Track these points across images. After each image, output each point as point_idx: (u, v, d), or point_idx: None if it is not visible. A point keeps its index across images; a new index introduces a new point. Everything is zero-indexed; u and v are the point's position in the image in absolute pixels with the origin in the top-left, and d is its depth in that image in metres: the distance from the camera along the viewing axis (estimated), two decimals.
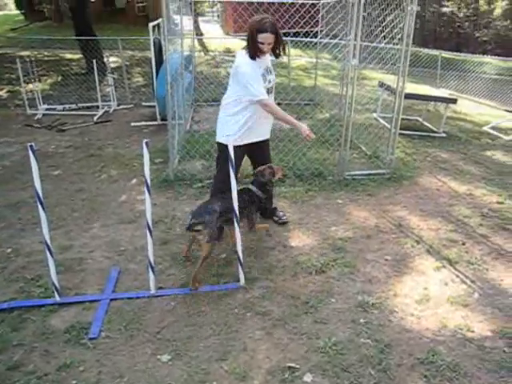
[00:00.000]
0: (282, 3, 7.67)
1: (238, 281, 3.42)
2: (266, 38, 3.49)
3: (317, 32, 7.62)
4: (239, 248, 3.33)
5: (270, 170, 3.88)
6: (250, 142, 3.92)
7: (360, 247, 3.96)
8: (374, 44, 5.98)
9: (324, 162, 5.70)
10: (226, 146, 3.29)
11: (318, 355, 2.78)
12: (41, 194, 2.99)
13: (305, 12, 6.36)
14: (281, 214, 4.41)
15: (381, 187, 5.17)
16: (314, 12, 7.32)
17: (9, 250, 3.92)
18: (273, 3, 7.60)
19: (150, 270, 3.23)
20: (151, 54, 7.49)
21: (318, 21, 7.61)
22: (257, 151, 4.06)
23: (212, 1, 21.52)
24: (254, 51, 3.58)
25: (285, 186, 5.09)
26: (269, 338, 2.93)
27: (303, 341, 2.90)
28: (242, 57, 3.66)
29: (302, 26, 6.83)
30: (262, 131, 3.99)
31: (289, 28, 6.88)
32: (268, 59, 3.76)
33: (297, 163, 5.55)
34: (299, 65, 13.16)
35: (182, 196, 4.85)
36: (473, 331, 2.99)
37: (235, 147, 3.40)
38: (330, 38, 6.82)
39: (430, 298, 3.30)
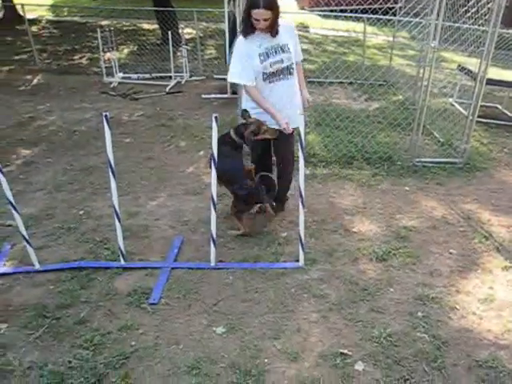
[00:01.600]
0: None
1: (298, 261, 3.42)
2: (260, 14, 3.17)
3: (395, 9, 7.30)
4: (302, 228, 3.31)
5: (254, 127, 3.52)
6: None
7: (424, 238, 3.82)
8: (458, 24, 5.64)
9: (394, 146, 5.51)
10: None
11: (371, 344, 2.74)
12: (112, 162, 3.11)
13: None
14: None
15: (452, 177, 4.93)
16: None
17: (81, 212, 4.14)
18: None
19: (211, 242, 3.29)
20: (225, 27, 7.49)
21: None
22: (275, 143, 3.76)
23: None
24: (245, 28, 3.32)
25: (352, 168, 4.98)
26: (323, 321, 2.92)
27: (358, 328, 2.86)
28: (239, 37, 3.45)
29: (381, 3, 6.56)
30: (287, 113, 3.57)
31: (368, 4, 6.62)
32: (280, 37, 3.39)
33: (366, 145, 5.40)
34: (375, 43, 12.69)
35: None
36: None
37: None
38: (410, 17, 6.50)
39: (494, 299, 3.14)
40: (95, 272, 3.34)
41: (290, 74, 3.49)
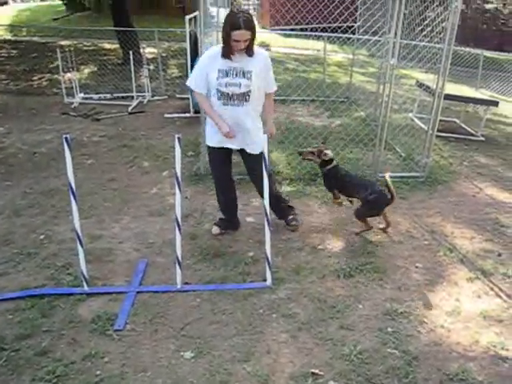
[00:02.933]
0: None
1: (265, 280, 3.39)
2: (241, 35, 3.18)
3: (354, 28, 7.47)
4: (268, 247, 3.29)
5: None
6: (221, 146, 3.63)
7: (390, 252, 3.86)
8: (415, 42, 5.82)
9: (357, 161, 5.60)
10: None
11: (342, 363, 2.72)
12: (73, 185, 3.03)
13: (344, 8, 6.23)
14: (290, 217, 4.18)
15: (414, 191, 5.03)
16: (354, 8, 7.17)
17: (42, 237, 4.00)
18: None
19: (177, 264, 3.22)
20: (187, 47, 7.50)
21: (356, 17, 7.47)
22: (245, 164, 3.87)
23: None
24: (228, 50, 3.31)
25: (316, 185, 5.01)
26: (293, 341, 2.89)
27: (328, 347, 2.84)
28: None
29: (340, 22, 6.70)
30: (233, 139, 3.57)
31: (328, 23, 6.75)
32: (248, 62, 3.37)
33: None
34: (335, 61, 12.97)
35: (212, 191, 4.80)
36: (507, 349, 2.86)
37: (210, 147, 3.68)
38: (369, 35, 6.67)
39: (461, 311, 3.18)
40: (57, 299, 3.21)
41: (246, 101, 3.43)
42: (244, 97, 3.41)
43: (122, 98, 8.61)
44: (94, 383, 2.57)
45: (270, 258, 3.32)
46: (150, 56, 10.85)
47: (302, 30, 9.40)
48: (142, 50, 9.66)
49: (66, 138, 2.89)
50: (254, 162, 3.64)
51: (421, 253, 3.88)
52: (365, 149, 5.89)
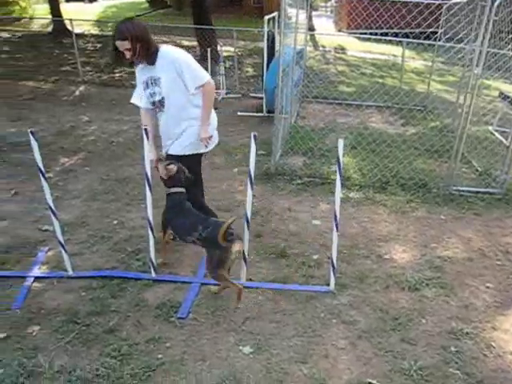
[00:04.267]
0: (405, 2, 7.33)
1: (328, 285, 3.37)
2: (119, 46, 3.14)
3: (434, 34, 7.24)
4: (334, 252, 3.28)
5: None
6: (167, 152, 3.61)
7: (459, 269, 3.72)
8: (503, 51, 5.55)
9: (430, 173, 5.43)
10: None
11: (401, 377, 2.66)
12: (150, 175, 3.15)
13: (429, 13, 6.04)
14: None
15: (490, 208, 4.81)
16: (439, 14, 6.95)
17: (115, 222, 4.21)
18: (395, 2, 7.30)
19: (243, 260, 3.28)
20: (264, 46, 7.58)
21: (440, 23, 7.23)
22: None
23: None
24: (115, 58, 3.28)
25: (386, 193, 4.92)
26: (352, 348, 2.86)
27: (387, 358, 2.79)
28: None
29: (424, 27, 6.52)
30: (166, 144, 3.58)
31: (410, 28, 6.59)
32: (156, 69, 3.28)
33: (401, 171, 5.34)
34: (412, 68, 12.62)
35: (281, 191, 4.88)
36: None
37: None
38: (454, 42, 6.43)
39: None
40: (126, 282, 3.37)
41: (164, 107, 3.40)
42: (162, 104, 3.40)
43: None
44: (155, 366, 2.67)
45: (335, 263, 3.30)
46: (226, 54, 11.06)
47: (381, 34, 9.19)
48: (219, 48, 9.87)
49: (145, 130, 3.01)
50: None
51: (493, 272, 3.70)
52: (439, 160, 5.71)
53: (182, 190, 3.37)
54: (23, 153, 5.94)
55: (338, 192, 3.15)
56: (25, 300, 3.21)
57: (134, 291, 3.29)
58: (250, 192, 3.11)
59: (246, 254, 3.28)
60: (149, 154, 3.27)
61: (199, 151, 3.53)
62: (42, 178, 3.19)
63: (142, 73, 3.38)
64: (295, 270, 3.58)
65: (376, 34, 9.34)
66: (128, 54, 3.17)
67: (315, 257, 3.76)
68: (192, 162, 3.51)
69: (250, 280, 3.41)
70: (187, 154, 3.49)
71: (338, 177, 3.11)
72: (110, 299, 3.20)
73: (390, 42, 11.38)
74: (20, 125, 7.14)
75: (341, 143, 3.00)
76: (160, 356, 2.75)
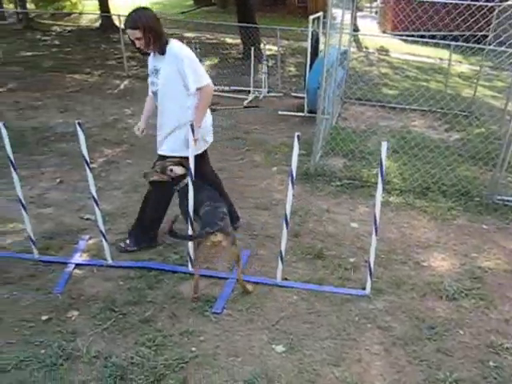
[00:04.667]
0: (457, 4, 7.13)
1: (364, 289, 3.33)
2: (130, 34, 3.19)
3: (485, 37, 7.03)
4: (372, 256, 3.23)
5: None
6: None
7: (501, 281, 3.60)
8: None
9: (474, 180, 5.28)
10: None
11: None
12: (193, 170, 3.19)
13: (481, 15, 5.87)
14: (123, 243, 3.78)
15: None
16: (491, 16, 6.74)
17: None
18: (446, 4, 7.13)
19: (280, 259, 3.28)
20: (307, 46, 7.55)
21: (491, 26, 7.01)
22: None
23: None
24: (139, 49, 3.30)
25: (426, 199, 4.81)
26: (386, 355, 2.82)
27: (422, 367, 2.73)
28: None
29: (475, 30, 6.34)
30: (158, 138, 3.59)
31: (461, 31, 6.42)
32: (160, 61, 3.31)
33: (443, 177, 5.21)
34: (458, 71, 12.30)
35: (320, 192, 4.85)
36: None
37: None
38: (505, 47, 6.23)
39: None
40: (163, 274, 3.43)
41: (157, 99, 3.43)
42: (156, 95, 3.41)
43: (239, 91, 8.89)
44: (188, 358, 2.70)
45: (372, 267, 3.26)
46: (269, 53, 11.08)
47: (429, 37, 9.00)
48: (262, 47, 9.90)
49: (191, 125, 3.05)
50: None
51: None
52: (483, 168, 5.54)
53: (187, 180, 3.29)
54: (68, 143, 6.15)
55: (379, 195, 3.10)
56: (66, 285, 3.32)
57: (170, 283, 3.34)
58: (290, 192, 3.11)
59: (283, 253, 3.28)
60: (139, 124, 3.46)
61: (199, 151, 3.52)
62: (88, 169, 3.28)
63: (151, 61, 3.42)
64: (331, 271, 3.55)
65: (423, 37, 9.15)
66: (138, 43, 3.21)
67: (352, 260, 3.73)
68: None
69: (286, 279, 3.41)
70: (177, 155, 3.46)
71: (379, 180, 3.06)
72: (147, 290, 3.27)
73: (436, 44, 11.15)
74: (67, 116, 7.37)
75: (384, 146, 2.96)
76: (193, 349, 2.78)
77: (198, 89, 3.30)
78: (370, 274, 3.27)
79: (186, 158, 3.23)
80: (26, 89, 9.16)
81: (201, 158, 3.57)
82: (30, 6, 23.13)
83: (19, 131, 6.40)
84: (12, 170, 3.37)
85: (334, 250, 3.86)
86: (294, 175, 3.08)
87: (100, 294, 3.23)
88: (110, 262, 3.53)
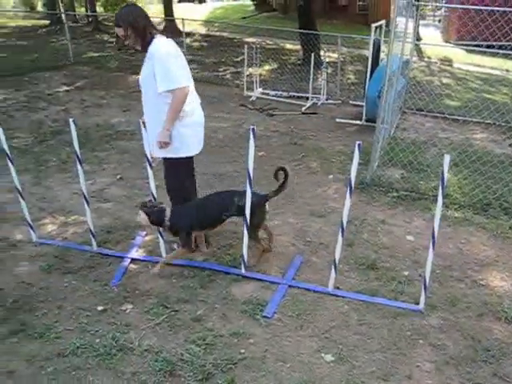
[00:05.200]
0: None
1: (418, 304, 3.24)
2: (117, 31, 3.30)
3: None
4: (428, 270, 3.15)
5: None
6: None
7: None
8: None
9: None
10: None
11: None
12: (251, 173, 3.22)
13: None
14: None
15: None
16: None
17: None
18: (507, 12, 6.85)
19: (333, 267, 3.25)
20: (369, 54, 7.47)
21: None
22: None
23: (436, 6, 20.48)
24: (117, 43, 3.44)
25: (487, 216, 4.63)
26: (438, 374, 2.73)
27: None
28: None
29: None
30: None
31: None
32: (146, 58, 3.31)
33: (505, 194, 4.99)
34: None
35: (376, 202, 4.77)
36: None
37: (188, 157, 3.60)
38: None
39: None
40: (216, 275, 3.49)
41: (142, 96, 3.44)
42: (141, 93, 3.43)
43: (297, 97, 8.90)
44: (237, 359, 2.73)
45: (427, 282, 3.17)
46: (328, 60, 11.03)
47: (499, 47, 8.67)
48: (322, 54, 9.87)
49: (252, 129, 3.08)
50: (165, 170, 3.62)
51: None
52: None
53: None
54: (129, 141, 6.37)
55: (439, 209, 3.02)
56: (122, 279, 3.44)
57: (222, 284, 3.39)
58: (348, 200, 3.08)
59: (337, 261, 3.25)
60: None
61: (179, 155, 3.47)
62: (149, 167, 3.39)
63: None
64: (384, 283, 3.49)
65: (490, 47, 8.81)
66: (127, 41, 3.31)
67: (406, 273, 3.64)
68: (172, 165, 3.53)
69: (338, 288, 3.38)
70: (167, 157, 3.49)
71: (439, 193, 2.99)
72: (200, 289, 3.33)
73: (504, 55, 10.72)
74: (128, 114, 7.64)
75: (447, 159, 2.88)
76: (242, 351, 2.81)
77: (169, 91, 3.23)
78: (425, 288, 3.18)
79: (166, 159, 3.50)
80: (92, 87, 9.58)
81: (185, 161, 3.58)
82: (99, 9, 24.28)
83: (84, 128, 6.70)
84: (78, 164, 3.53)
85: (388, 261, 3.78)
86: (353, 185, 3.05)
87: (154, 290, 3.32)
88: (164, 259, 3.62)
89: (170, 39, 3.37)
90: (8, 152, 3.58)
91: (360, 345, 2.90)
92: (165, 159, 3.54)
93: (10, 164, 3.61)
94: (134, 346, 2.82)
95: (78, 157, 3.50)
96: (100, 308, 3.14)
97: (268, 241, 3.79)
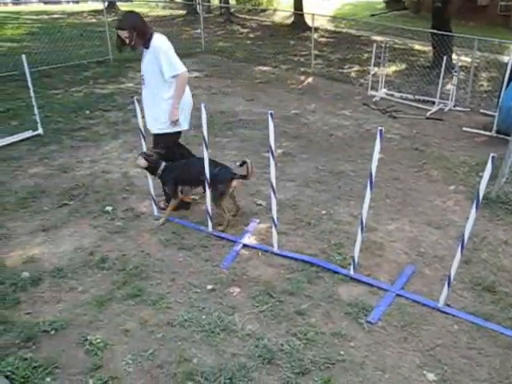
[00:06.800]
0: None
1: None
2: (120, 34, 3.86)
3: None
4: None
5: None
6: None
7: None
8: None
9: None
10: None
11: None
12: (374, 174, 3.16)
13: None
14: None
15: None
16: None
17: (323, 212, 4.39)
18: None
19: (446, 283, 3.10)
20: (508, 60, 6.91)
21: None
22: None
23: None
24: (118, 43, 4.00)
25: None
26: None
27: None
28: None
29: None
30: (146, 118, 4.21)
31: None
32: (146, 51, 3.97)
33: None
34: None
35: (499, 220, 4.43)
36: None
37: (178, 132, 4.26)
38: None
39: None
40: (324, 272, 3.50)
41: (143, 84, 4.08)
42: (143, 79, 4.06)
43: (423, 101, 8.52)
44: (335, 360, 2.72)
45: None
46: (460, 64, 10.40)
47: None
48: (455, 57, 9.32)
49: (380, 131, 3.02)
50: (154, 141, 4.23)
51: None
52: None
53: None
54: (251, 130, 6.56)
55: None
56: (232, 262, 3.58)
57: (329, 282, 3.39)
58: (472, 215, 2.90)
59: (452, 277, 3.08)
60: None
61: (172, 130, 4.11)
62: (271, 158, 3.48)
63: (143, 53, 4.03)
64: (501, 309, 3.24)
65: None
66: (127, 40, 3.87)
67: None
68: (166, 139, 4.16)
69: (448, 305, 3.21)
70: (162, 132, 4.12)
71: None
72: (306, 284, 3.36)
73: None
74: (251, 104, 7.87)
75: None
76: (342, 352, 2.79)
77: (174, 76, 3.92)
78: None
79: (159, 135, 4.14)
80: (220, 76, 10.00)
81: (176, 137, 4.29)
82: (231, 1, 25.33)
83: (209, 114, 7.01)
84: (204, 148, 3.73)
85: (507, 286, 3.50)
86: (481, 199, 2.88)
87: (261, 278, 3.42)
88: (276, 249, 3.71)
89: (163, 35, 4.03)
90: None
91: (467, 370, 2.73)
92: (160, 135, 4.17)
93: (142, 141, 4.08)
94: (237, 328, 2.93)
95: (204, 141, 3.68)
96: (209, 287, 3.31)
97: (235, 210, 4.26)
